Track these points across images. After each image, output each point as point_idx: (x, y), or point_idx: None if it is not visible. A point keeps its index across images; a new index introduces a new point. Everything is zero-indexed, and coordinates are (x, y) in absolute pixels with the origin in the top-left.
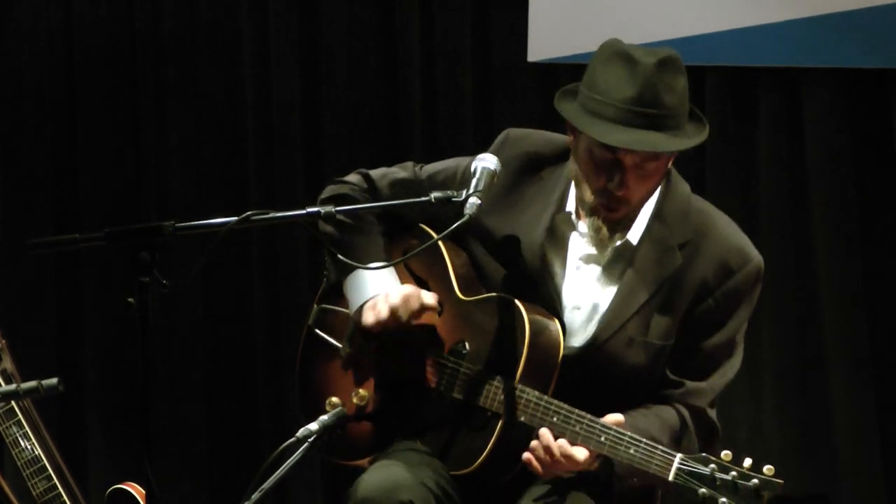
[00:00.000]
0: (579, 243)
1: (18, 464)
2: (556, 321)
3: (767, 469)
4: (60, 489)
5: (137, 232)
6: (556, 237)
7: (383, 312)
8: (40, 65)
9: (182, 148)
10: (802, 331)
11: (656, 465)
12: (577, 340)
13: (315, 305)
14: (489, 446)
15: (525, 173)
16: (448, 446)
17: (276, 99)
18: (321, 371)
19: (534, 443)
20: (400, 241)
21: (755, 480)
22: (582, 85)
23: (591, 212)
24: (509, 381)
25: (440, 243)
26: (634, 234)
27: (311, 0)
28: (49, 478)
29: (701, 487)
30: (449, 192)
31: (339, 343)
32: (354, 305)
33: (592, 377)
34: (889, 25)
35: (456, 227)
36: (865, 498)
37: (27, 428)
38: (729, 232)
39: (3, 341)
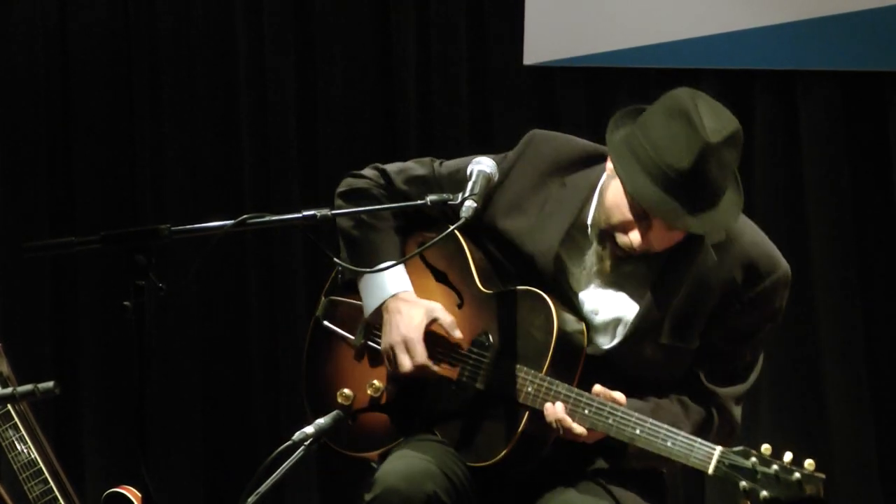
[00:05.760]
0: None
1: (15, 467)
2: (581, 320)
3: (808, 463)
4: (57, 493)
5: (133, 235)
6: (573, 246)
7: (418, 358)
8: (36, 66)
9: (178, 150)
10: (798, 329)
11: (696, 458)
12: (602, 343)
13: (323, 297)
14: (515, 437)
15: (548, 177)
16: (469, 437)
17: (271, 101)
18: (331, 363)
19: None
20: (416, 236)
21: (797, 475)
22: (637, 126)
23: (600, 239)
24: (537, 372)
25: (459, 237)
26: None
27: (307, 2)
28: (45, 481)
29: (742, 480)
30: (445, 195)
31: (350, 334)
32: (371, 305)
33: (614, 376)
34: (884, 28)
35: (449, 231)
36: (861, 496)
37: (23, 431)
38: (759, 238)
39: (0, 344)
